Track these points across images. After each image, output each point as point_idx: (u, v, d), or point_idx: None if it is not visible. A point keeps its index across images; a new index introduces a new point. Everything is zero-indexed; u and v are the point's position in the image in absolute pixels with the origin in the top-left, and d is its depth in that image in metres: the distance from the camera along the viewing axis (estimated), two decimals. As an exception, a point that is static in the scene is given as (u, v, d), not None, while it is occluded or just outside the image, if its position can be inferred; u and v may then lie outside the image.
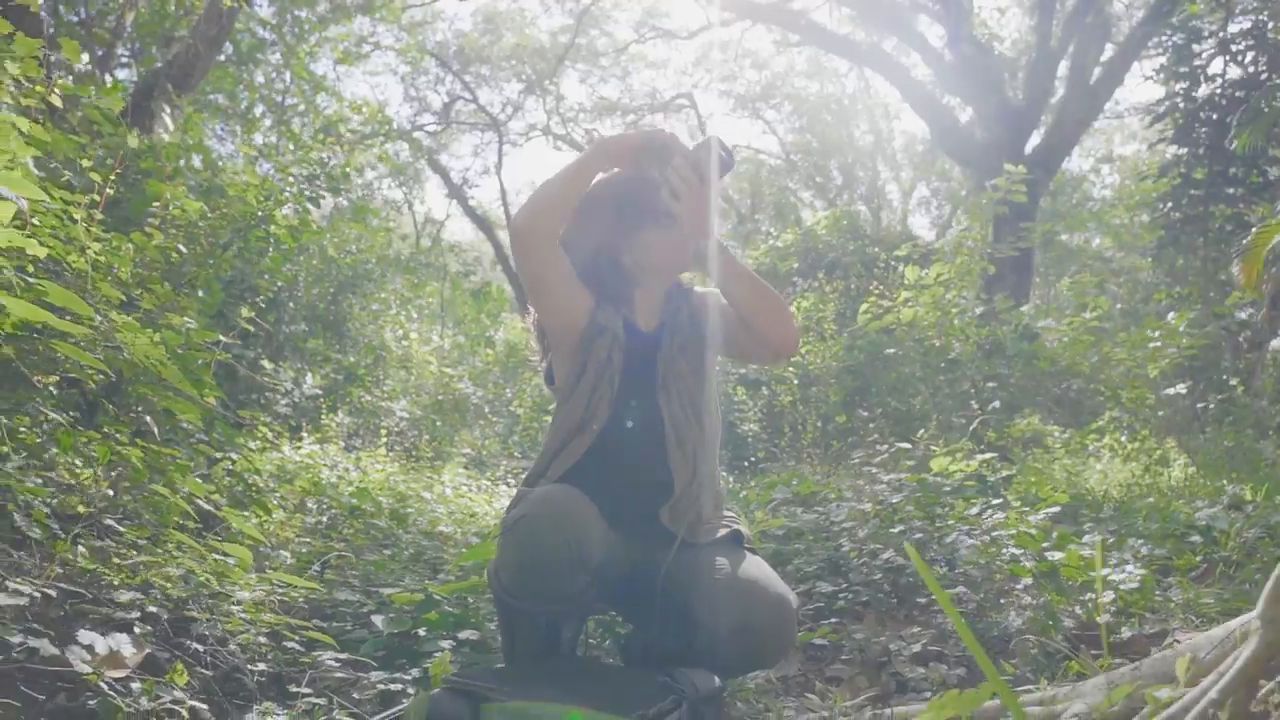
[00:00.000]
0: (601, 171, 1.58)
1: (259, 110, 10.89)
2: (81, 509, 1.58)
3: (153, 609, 1.50)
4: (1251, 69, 6.89)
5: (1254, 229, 4.94)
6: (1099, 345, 5.24)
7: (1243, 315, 6.14)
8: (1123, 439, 4.85)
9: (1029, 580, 2.03)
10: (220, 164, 4.80)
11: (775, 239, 8.73)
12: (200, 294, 3.31)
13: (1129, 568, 1.86)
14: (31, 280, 1.59)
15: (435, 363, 8.08)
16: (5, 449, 1.49)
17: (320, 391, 5.42)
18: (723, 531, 1.55)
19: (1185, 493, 3.57)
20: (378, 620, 1.96)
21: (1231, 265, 5.43)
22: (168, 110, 5.79)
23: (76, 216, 1.99)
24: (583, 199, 1.58)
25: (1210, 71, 7.08)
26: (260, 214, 4.07)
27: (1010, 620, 1.92)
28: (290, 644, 1.75)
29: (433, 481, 4.99)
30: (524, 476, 1.66)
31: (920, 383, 5.20)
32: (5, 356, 1.43)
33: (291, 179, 4.52)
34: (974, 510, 2.31)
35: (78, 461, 1.76)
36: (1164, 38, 7.56)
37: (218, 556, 1.72)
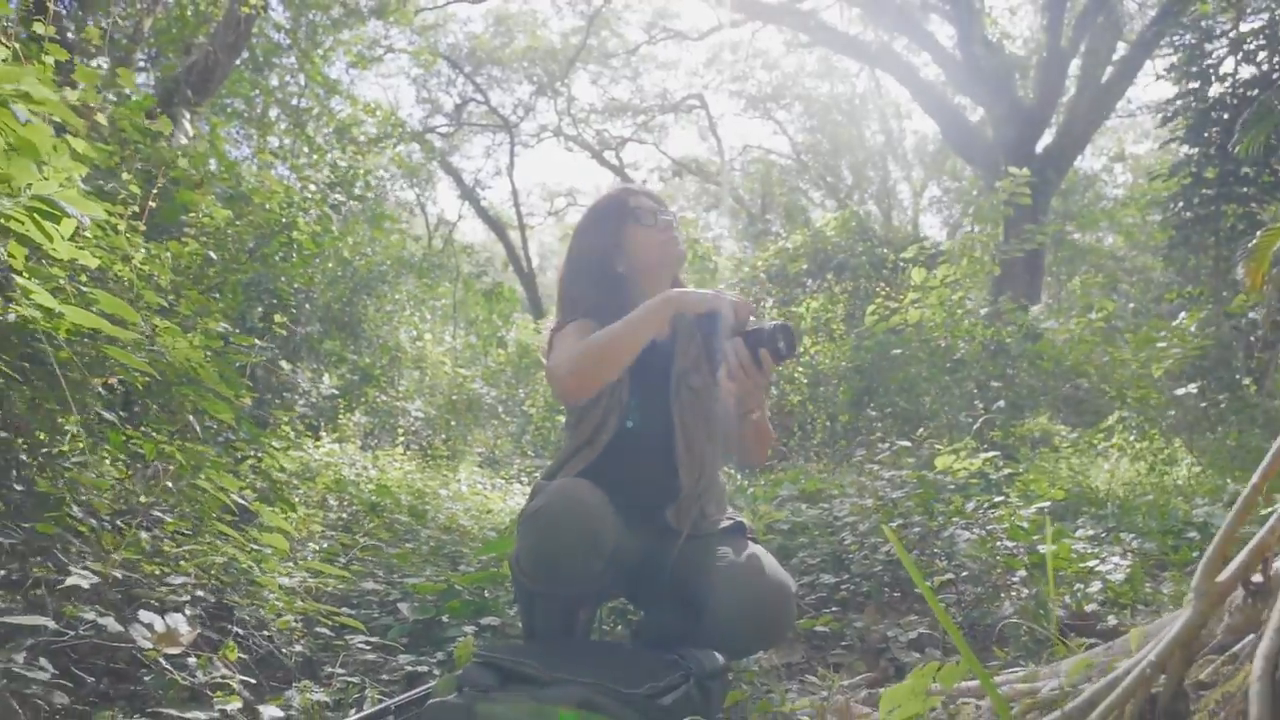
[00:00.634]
0: (657, 336, 1.50)
1: (274, 113, 11.05)
2: (144, 499, 1.70)
3: (200, 593, 1.63)
4: (1264, 68, 6.87)
5: (1264, 229, 4.97)
6: (1105, 345, 5.28)
7: (1254, 315, 6.15)
8: (1131, 438, 4.89)
9: (1024, 573, 2.12)
10: (239, 169, 4.92)
11: (785, 240, 8.80)
12: (217, 297, 3.42)
13: (1115, 559, 1.95)
14: (84, 288, 1.71)
15: (449, 363, 8.21)
16: (65, 448, 1.61)
17: (337, 392, 5.54)
18: (726, 522, 1.65)
19: (1188, 491, 3.64)
20: (404, 607, 2.08)
21: (1239, 266, 5.46)
22: (187, 117, 5.93)
23: (120, 227, 2.12)
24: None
25: (1222, 71, 7.06)
26: (284, 220, 4.19)
27: (1004, 610, 2.01)
28: (321, 629, 1.87)
29: (449, 479, 5.12)
30: (539, 474, 1.76)
31: (927, 383, 5.27)
32: (63, 359, 1.55)
33: (314, 187, 4.64)
34: (971, 506, 2.39)
35: (123, 458, 1.89)
36: (1176, 37, 7.56)
37: (255, 547, 1.84)
